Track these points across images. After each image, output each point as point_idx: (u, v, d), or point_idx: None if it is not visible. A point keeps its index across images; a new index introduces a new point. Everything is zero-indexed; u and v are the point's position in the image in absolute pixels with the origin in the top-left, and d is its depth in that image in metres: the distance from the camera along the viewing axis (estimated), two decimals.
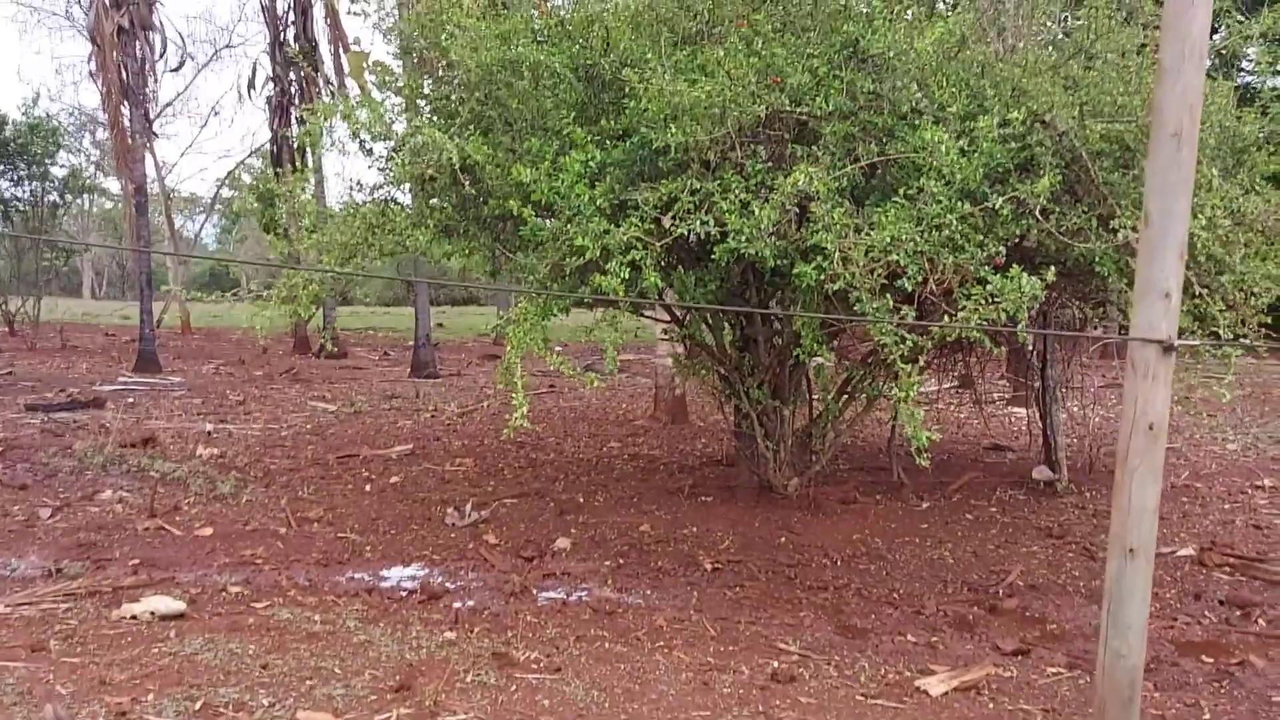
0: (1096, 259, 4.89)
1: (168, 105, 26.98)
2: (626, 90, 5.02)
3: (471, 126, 5.88)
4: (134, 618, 4.67)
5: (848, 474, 7.73)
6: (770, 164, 4.90)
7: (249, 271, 28.69)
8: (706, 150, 4.75)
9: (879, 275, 4.37)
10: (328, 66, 18.54)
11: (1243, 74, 5.92)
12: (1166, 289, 2.74)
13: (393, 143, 6.13)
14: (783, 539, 6.07)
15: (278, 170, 16.97)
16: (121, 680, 3.90)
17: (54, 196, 20.45)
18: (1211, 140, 5.04)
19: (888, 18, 4.72)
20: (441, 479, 7.73)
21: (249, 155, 31.02)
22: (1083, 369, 8.39)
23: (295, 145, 16.99)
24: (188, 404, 11.76)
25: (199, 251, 38.56)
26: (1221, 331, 4.96)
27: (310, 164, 15.78)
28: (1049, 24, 5.35)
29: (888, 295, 4.41)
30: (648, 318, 8.19)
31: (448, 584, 5.32)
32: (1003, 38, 5.37)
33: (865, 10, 4.75)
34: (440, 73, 6.52)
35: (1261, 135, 5.44)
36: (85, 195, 28.92)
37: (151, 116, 19.57)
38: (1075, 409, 8.59)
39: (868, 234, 4.39)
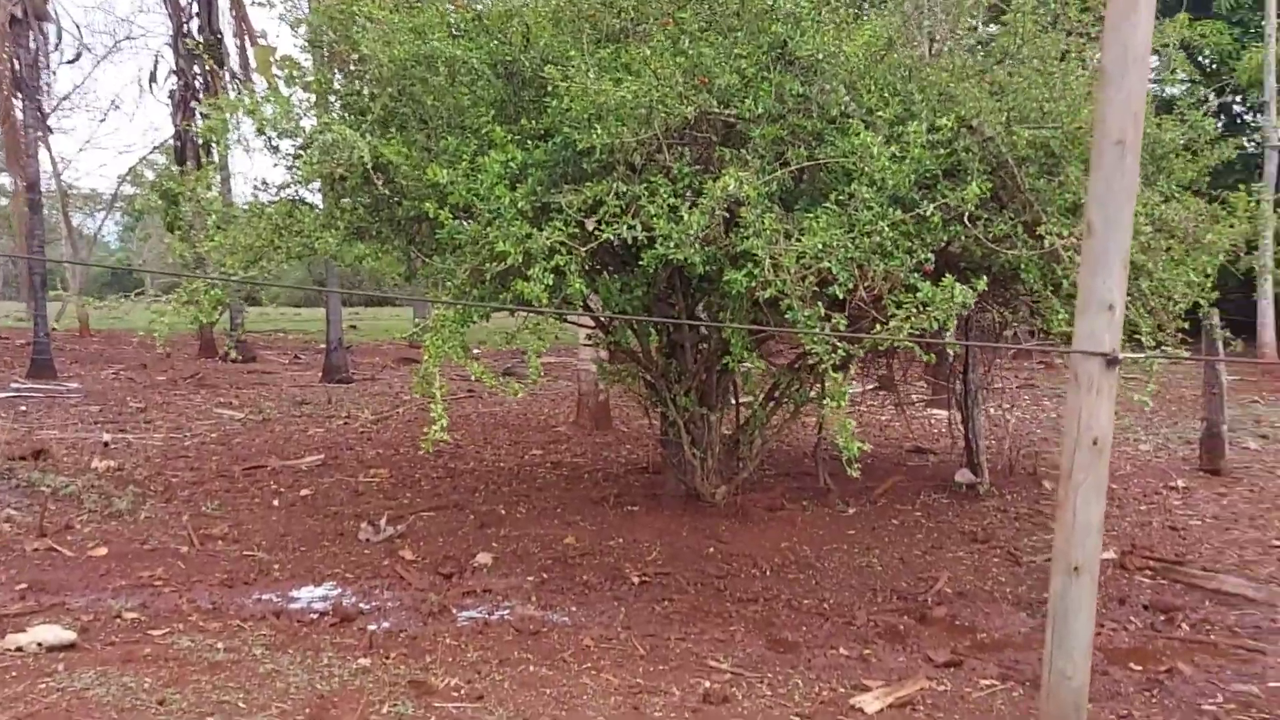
0: (1022, 266, 4.87)
1: (64, 99, 25.82)
2: (548, 88, 4.84)
3: (385, 124, 5.63)
4: (19, 650, 4.32)
5: (774, 480, 7.66)
6: (698, 167, 4.77)
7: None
8: (633, 152, 4.59)
9: (810, 282, 4.26)
10: (234, 60, 17.93)
11: (1157, 82, 6.01)
12: (1110, 300, 2.66)
13: (301, 140, 5.85)
14: (711, 549, 5.95)
15: (181, 167, 16.34)
16: None
17: None
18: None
19: (816, 19, 4.62)
20: (355, 491, 7.43)
21: (152, 151, 29.90)
22: (1001, 372, 8.45)
23: (199, 141, 16.36)
24: (84, 412, 11.19)
25: (100, 250, 37.09)
26: (1143, 339, 4.99)
27: (215, 161, 15.19)
28: (973, 28, 5.31)
29: (819, 303, 4.31)
30: (571, 322, 8.00)
31: (362, 604, 5.06)
32: (929, 41, 5.33)
33: (793, 10, 4.64)
34: (351, 67, 6.24)
35: (1180, 142, 5.49)
36: None
37: (46, 110, 18.67)
38: (994, 411, 8.66)
39: (798, 240, 4.29)
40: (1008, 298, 6.38)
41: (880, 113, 4.63)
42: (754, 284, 4.28)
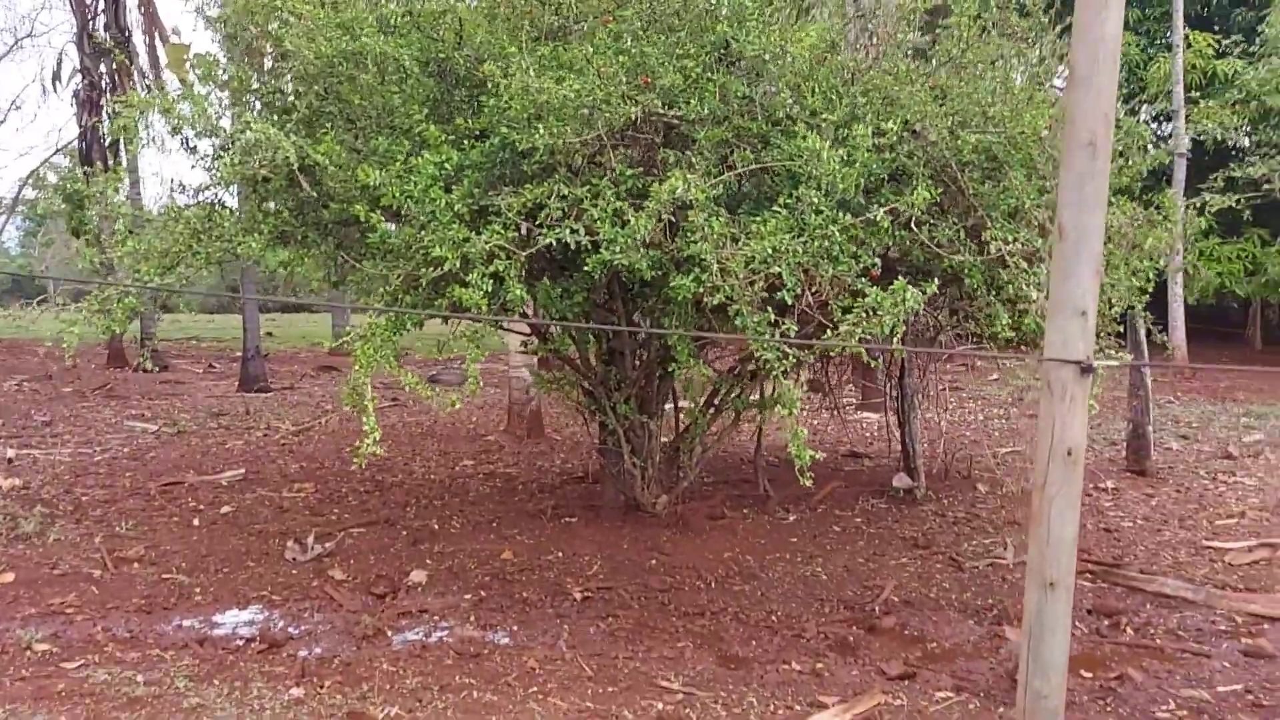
0: (965, 271, 4.84)
1: None
2: (484, 87, 4.66)
3: (310, 124, 5.38)
4: None
5: (713, 488, 7.55)
6: (641, 169, 4.63)
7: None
8: (574, 153, 4.43)
9: (759, 288, 4.16)
10: (143, 58, 17.26)
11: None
12: (1083, 306, 2.59)
13: (220, 140, 5.56)
14: (653, 561, 5.81)
15: (87, 169, 15.64)
16: None
17: None
18: None
19: (762, 20, 4.52)
20: (279, 507, 7.11)
21: (55, 153, 28.74)
22: (936, 375, 8.49)
23: (107, 142, 15.71)
24: None
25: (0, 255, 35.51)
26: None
27: (124, 162, 14.58)
28: (912, 33, 5.27)
29: (769, 308, 4.20)
30: (504, 328, 7.79)
31: (291, 629, 4.80)
32: (871, 44, 5.27)
33: (736, 10, 4.53)
34: (272, 64, 5.97)
35: (1119, 149, 5.53)
36: None
37: None
38: (927, 415, 8.69)
39: (746, 244, 4.17)
40: (943, 302, 6.37)
41: (825, 115, 4.55)
42: (702, 289, 4.15)
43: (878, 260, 4.47)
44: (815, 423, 10.69)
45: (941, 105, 4.76)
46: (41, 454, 8.98)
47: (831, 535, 6.50)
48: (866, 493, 7.57)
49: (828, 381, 8.29)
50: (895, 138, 4.54)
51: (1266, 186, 15.47)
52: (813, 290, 4.34)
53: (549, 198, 4.38)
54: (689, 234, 4.20)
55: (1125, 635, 4.80)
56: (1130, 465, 8.49)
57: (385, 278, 4.83)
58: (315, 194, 5.14)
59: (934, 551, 6.15)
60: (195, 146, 5.74)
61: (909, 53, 5.28)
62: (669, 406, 6.65)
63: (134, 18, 17.21)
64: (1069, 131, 2.61)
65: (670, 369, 5.10)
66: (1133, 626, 4.92)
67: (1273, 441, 9.82)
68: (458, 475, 8.30)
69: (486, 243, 4.31)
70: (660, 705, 3.92)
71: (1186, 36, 16.44)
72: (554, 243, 4.32)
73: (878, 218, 4.20)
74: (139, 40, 17.19)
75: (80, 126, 17.58)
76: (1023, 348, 5.93)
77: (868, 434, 10.10)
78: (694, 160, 4.39)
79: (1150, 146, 6.03)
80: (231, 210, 5.80)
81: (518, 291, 4.39)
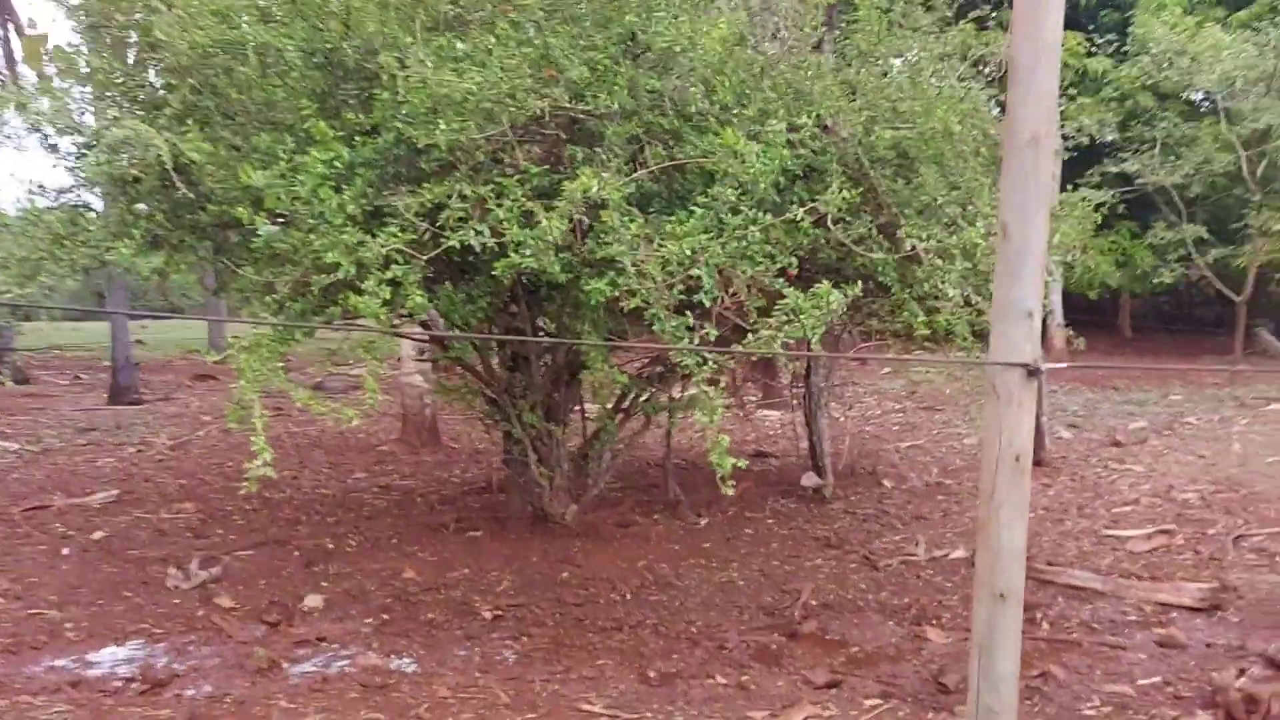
0: (879, 269, 4.77)
1: None
2: (376, 80, 4.37)
3: (183, 120, 4.98)
4: None
5: (621, 493, 7.36)
6: (547, 167, 4.40)
7: None
8: (477, 150, 4.18)
9: (677, 290, 3.98)
10: None
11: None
12: (1029, 307, 2.50)
13: (84, 137, 5.11)
14: (565, 573, 5.59)
15: None
16: None
17: None
18: (984, 150, 5.05)
19: (671, 10, 4.35)
20: (158, 530, 6.62)
21: None
22: (839, 372, 8.49)
23: None
24: None
25: None
26: None
27: None
28: (820, 27, 5.19)
29: (687, 311, 4.03)
30: (400, 335, 7.45)
31: (175, 666, 4.42)
32: (778, 39, 5.17)
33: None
34: (140, 55, 5.53)
35: None
36: None
37: None
38: (832, 412, 8.69)
39: (661, 245, 3.99)
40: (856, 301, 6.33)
41: (737, 110, 4.41)
42: (617, 293, 3.96)
43: (794, 260, 4.35)
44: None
45: (853, 100, 4.68)
46: None
47: (744, 539, 6.39)
48: (775, 493, 7.50)
49: (732, 380, 8.20)
50: (808, 134, 4.43)
51: (1139, 181, 16.11)
52: (729, 292, 4.19)
53: (450, 197, 4.12)
54: (602, 235, 4.00)
55: (1042, 630, 4.81)
56: None
57: (271, 285, 4.49)
58: (191, 195, 4.75)
59: (847, 551, 6.10)
60: (56, 145, 5.28)
61: (815, 46, 5.19)
62: (576, 413, 6.44)
63: None
64: (1010, 129, 2.51)
65: (579, 375, 4.89)
66: (1048, 620, 4.93)
67: (1156, 428, 10.17)
68: (351, 489, 7.92)
69: (383, 246, 4.03)
70: None
71: None
72: (458, 245, 4.06)
73: (798, 217, 4.07)
74: None
75: None
76: (928, 345, 5.93)
77: (769, 432, 10.07)
78: (605, 157, 4.19)
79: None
80: (98, 213, 5.35)
81: (417, 298, 4.11)
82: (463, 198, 4.11)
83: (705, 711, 3.93)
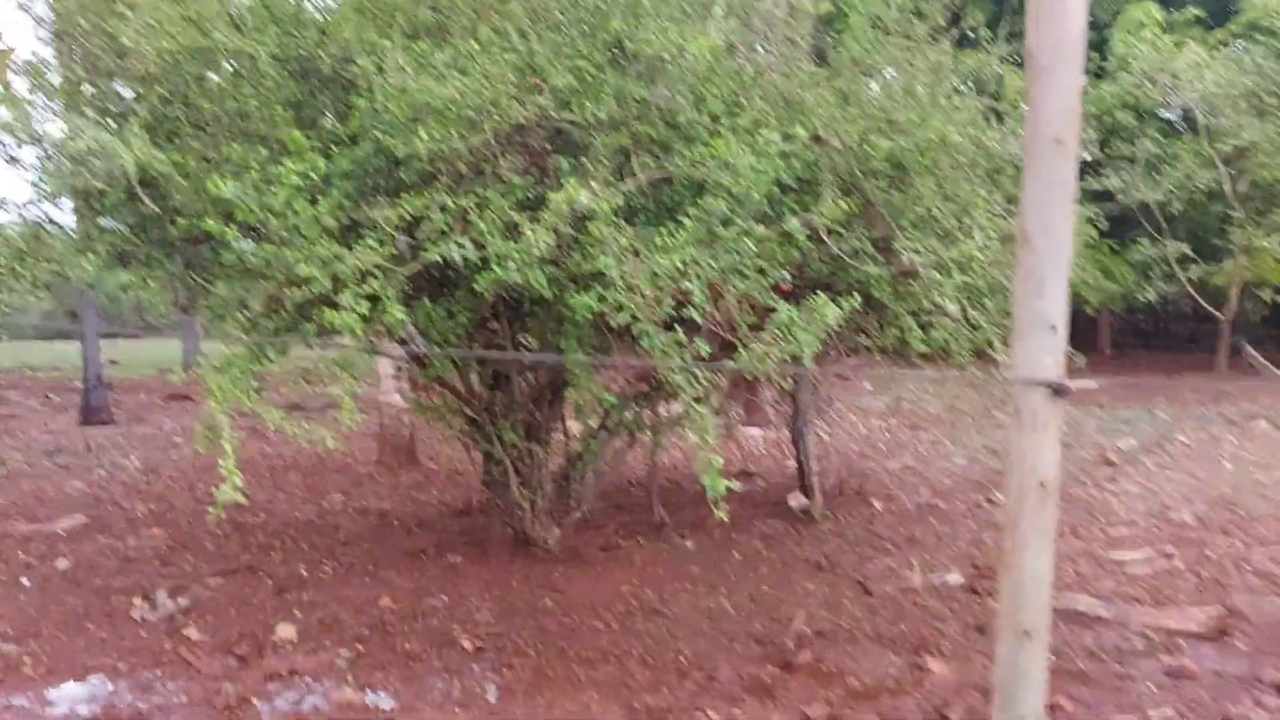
0: (873, 283, 4.62)
1: None
2: (353, 88, 4.19)
3: (151, 130, 4.78)
4: None
5: (604, 515, 7.16)
6: (532, 178, 4.23)
7: None
8: (459, 160, 4.01)
9: (667, 305, 3.81)
10: None
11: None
12: (1053, 321, 2.33)
13: (47, 149, 4.89)
14: (548, 600, 5.38)
15: None
16: None
17: None
18: (982, 161, 4.92)
19: (659, 16, 4.19)
20: (125, 558, 6.36)
21: None
22: (826, 388, 8.34)
23: None
24: None
25: None
26: (997, 356, 4.85)
27: None
28: (809, 35, 5.06)
29: (677, 327, 3.86)
30: (377, 352, 7.24)
31: (140, 703, 4.19)
32: (768, 45, 5.03)
33: (631, 4, 4.20)
34: (107, 62, 5.32)
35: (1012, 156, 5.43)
36: None
37: None
38: (818, 430, 8.53)
39: (651, 258, 3.82)
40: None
41: (728, 119, 4.25)
42: (605, 308, 3.78)
43: (787, 274, 4.19)
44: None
45: (847, 110, 4.53)
46: None
47: (733, 562, 6.20)
48: (762, 514, 7.32)
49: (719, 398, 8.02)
50: (802, 144, 4.28)
51: (1121, 198, 16.11)
52: (719, 307, 4.02)
53: (431, 209, 3.94)
54: (589, 248, 3.83)
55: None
56: None
57: (243, 301, 4.29)
58: (159, 209, 4.55)
59: (839, 575, 5.92)
60: (16, 157, 5.07)
61: (819, 56, 5.06)
62: (558, 432, 6.24)
63: None
64: (1031, 128, 2.36)
65: (562, 393, 4.70)
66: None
67: (1147, 447, 10.07)
68: (326, 512, 7.68)
69: (361, 260, 3.84)
70: None
71: None
72: (438, 259, 3.88)
73: (793, 229, 3.91)
74: None
75: None
76: (916, 363, 5.78)
77: (755, 452, 9.90)
78: (592, 168, 4.02)
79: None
80: (62, 227, 5.14)
81: (396, 314, 3.92)
82: (444, 209, 3.93)
83: None
